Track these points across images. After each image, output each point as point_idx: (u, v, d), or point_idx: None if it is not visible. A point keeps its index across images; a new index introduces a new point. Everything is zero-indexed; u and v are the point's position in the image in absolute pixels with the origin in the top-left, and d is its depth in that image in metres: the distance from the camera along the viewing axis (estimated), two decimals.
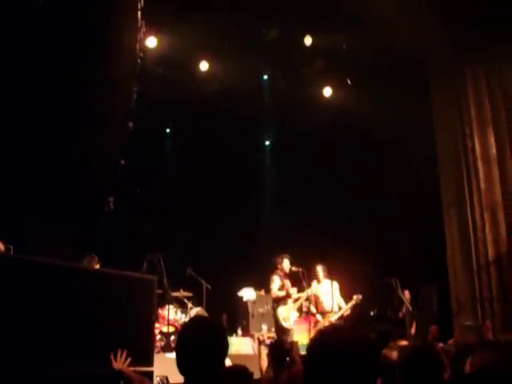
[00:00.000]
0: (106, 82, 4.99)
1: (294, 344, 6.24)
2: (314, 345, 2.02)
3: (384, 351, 3.77)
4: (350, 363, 1.89)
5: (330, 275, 10.03)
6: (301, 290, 9.60)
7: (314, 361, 1.97)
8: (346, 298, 10.04)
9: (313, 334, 8.62)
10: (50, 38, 4.48)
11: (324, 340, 2.01)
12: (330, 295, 9.94)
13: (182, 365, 2.97)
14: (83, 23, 4.74)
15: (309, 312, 9.92)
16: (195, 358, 2.93)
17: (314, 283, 9.87)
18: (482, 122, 9.91)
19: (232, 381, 3.77)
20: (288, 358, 5.09)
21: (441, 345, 7.52)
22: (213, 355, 2.96)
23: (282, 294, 9.41)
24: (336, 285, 10.05)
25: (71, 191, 4.85)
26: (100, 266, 6.91)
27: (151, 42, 10.07)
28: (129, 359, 4.24)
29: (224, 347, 3.09)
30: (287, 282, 9.59)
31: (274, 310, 9.49)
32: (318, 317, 9.78)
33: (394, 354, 3.63)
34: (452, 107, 10.23)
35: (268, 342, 9.71)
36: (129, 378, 3.88)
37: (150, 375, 4.72)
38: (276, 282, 9.51)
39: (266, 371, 5.26)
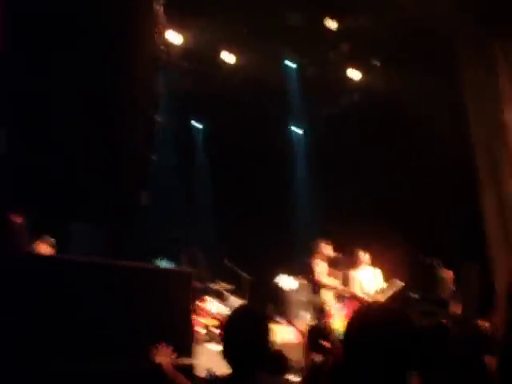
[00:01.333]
0: (129, 76, 5.02)
1: (330, 328, 6.24)
2: (351, 324, 2.01)
3: None
4: (387, 341, 1.87)
5: (373, 262, 10.00)
6: (338, 276, 9.61)
7: (352, 340, 1.96)
8: (388, 282, 10.01)
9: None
10: (71, 37, 4.53)
11: (360, 319, 2.00)
12: (371, 281, 9.90)
13: (229, 355, 3.01)
14: (101, 18, 4.78)
15: (351, 297, 9.88)
16: (241, 347, 2.96)
17: (356, 270, 9.85)
18: None
19: (269, 366, 3.78)
20: (327, 343, 5.07)
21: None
22: (258, 344, 2.99)
23: (327, 282, 9.41)
24: (379, 272, 10.01)
25: (104, 189, 4.90)
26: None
27: (175, 37, 10.14)
28: (173, 353, 4.25)
29: (268, 335, 3.12)
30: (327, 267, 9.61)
31: (316, 293, 9.49)
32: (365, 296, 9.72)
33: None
34: (482, 82, 10.06)
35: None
36: (164, 372, 3.92)
37: (190, 368, 4.76)
38: (320, 266, 9.52)
39: (306, 358, 5.25)
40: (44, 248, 6.72)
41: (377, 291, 9.81)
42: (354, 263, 9.97)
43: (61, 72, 4.59)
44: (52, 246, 6.77)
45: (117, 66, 5.08)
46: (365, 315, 2.03)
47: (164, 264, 9.32)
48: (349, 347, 1.97)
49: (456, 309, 10.06)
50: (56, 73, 4.59)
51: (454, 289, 10.27)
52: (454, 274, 10.76)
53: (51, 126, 4.72)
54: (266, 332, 3.06)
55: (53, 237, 6.71)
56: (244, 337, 2.96)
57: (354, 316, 2.06)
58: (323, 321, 9.20)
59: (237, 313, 3.37)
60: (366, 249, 10.06)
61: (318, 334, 5.54)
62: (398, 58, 10.97)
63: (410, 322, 2.00)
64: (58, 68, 4.56)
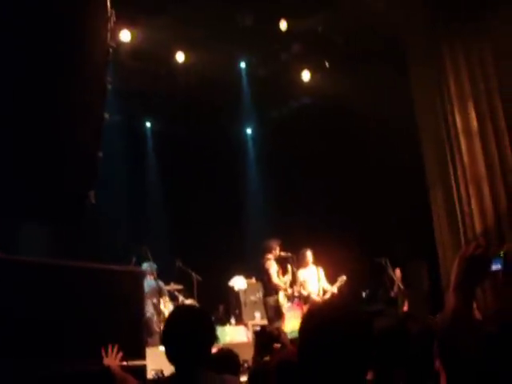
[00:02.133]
0: (77, 73, 4.91)
1: (280, 330, 6.21)
2: (306, 320, 1.98)
3: None
4: (344, 336, 1.85)
5: (318, 259, 10.08)
6: (284, 274, 9.66)
7: (307, 335, 1.93)
8: (333, 281, 10.10)
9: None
10: (17, 26, 4.39)
11: (316, 314, 1.98)
12: (316, 280, 9.98)
13: (170, 354, 2.95)
14: (49, 10, 4.66)
15: (300, 297, 9.94)
16: (182, 346, 2.91)
17: (302, 270, 9.93)
18: (461, 97, 9.92)
19: (219, 364, 3.74)
20: (277, 345, 5.03)
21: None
22: (200, 343, 2.94)
23: (278, 282, 9.44)
24: (321, 270, 10.09)
25: (49, 187, 4.77)
26: None
27: (125, 35, 9.99)
28: (120, 354, 4.18)
29: (211, 334, 3.07)
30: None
31: (271, 295, 9.50)
32: (314, 296, 9.81)
33: None
34: (431, 83, 10.24)
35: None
36: (117, 376, 3.84)
37: (142, 369, 4.68)
38: (273, 266, 9.54)
39: (253, 361, 5.21)
40: None
41: (323, 291, 9.91)
42: (301, 263, 10.03)
43: (7, 65, 4.46)
44: None
45: (65, 61, 4.97)
46: (318, 313, 2.00)
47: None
48: (303, 346, 1.94)
49: (405, 307, 10.22)
50: (3, 66, 4.45)
51: (403, 287, 10.42)
52: (402, 272, 10.93)
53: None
54: (206, 331, 3.01)
55: None
56: (183, 336, 2.91)
57: (307, 315, 2.02)
58: (278, 322, 9.23)
59: (176, 312, 3.32)
60: (312, 248, 10.13)
61: (266, 336, 5.49)
62: (348, 59, 11.07)
63: (365, 319, 1.98)
64: (5, 60, 4.43)
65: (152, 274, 9.61)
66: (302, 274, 9.98)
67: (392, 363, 2.89)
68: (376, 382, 2.83)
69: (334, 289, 9.93)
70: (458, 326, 2.04)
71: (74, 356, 4.24)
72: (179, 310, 3.44)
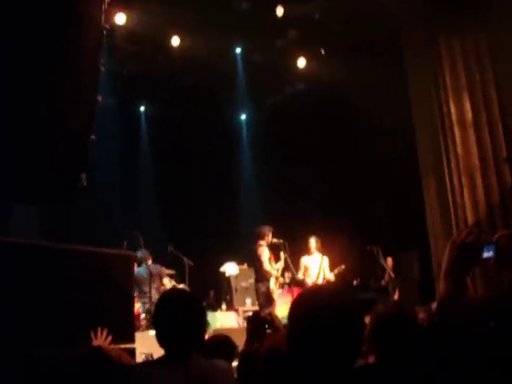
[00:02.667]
0: (70, 55, 4.86)
1: (273, 315, 6.22)
2: (296, 304, 1.97)
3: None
4: (332, 321, 1.84)
5: (321, 249, 10.12)
6: (277, 261, 9.68)
7: (296, 321, 1.92)
8: (332, 269, 10.14)
9: None
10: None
11: (306, 299, 1.97)
12: (318, 268, 10.02)
13: (160, 337, 2.95)
14: None
15: (291, 283, 9.97)
16: (172, 329, 2.90)
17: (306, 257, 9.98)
18: (457, 88, 9.90)
19: (214, 350, 3.74)
20: (270, 330, 5.03)
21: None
22: (190, 326, 2.93)
23: (274, 272, 9.46)
24: (326, 259, 10.12)
25: (40, 169, 4.73)
26: None
27: (120, 18, 9.92)
28: (110, 337, 4.18)
29: (201, 318, 3.06)
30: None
31: (262, 281, 9.50)
32: (308, 280, 9.86)
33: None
34: (426, 74, 10.21)
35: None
36: (108, 353, 3.83)
37: (132, 352, 4.68)
38: (265, 253, 9.54)
39: (245, 345, 5.21)
40: None
41: (324, 279, 9.94)
42: (305, 250, 10.10)
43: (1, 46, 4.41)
44: None
45: (59, 43, 4.92)
46: (308, 297, 1.99)
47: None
48: (293, 330, 1.93)
49: (395, 296, 10.27)
50: None
51: (394, 276, 10.47)
52: (394, 261, 10.97)
53: None
54: (197, 314, 3.00)
55: None
56: (173, 319, 2.90)
57: (296, 299, 2.01)
58: (269, 308, 9.25)
59: (166, 296, 3.31)
60: (304, 235, 10.17)
61: (259, 321, 5.49)
62: (345, 47, 11.03)
63: (355, 304, 1.97)
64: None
65: (149, 258, 9.63)
66: (305, 261, 10.06)
67: (393, 347, 2.90)
68: (377, 366, 2.84)
69: (332, 276, 9.98)
70: (449, 311, 2.05)
71: (63, 339, 4.23)
72: (170, 293, 3.42)
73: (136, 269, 9.51)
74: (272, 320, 5.22)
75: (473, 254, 2.14)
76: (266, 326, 5.16)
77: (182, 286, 9.94)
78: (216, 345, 4.08)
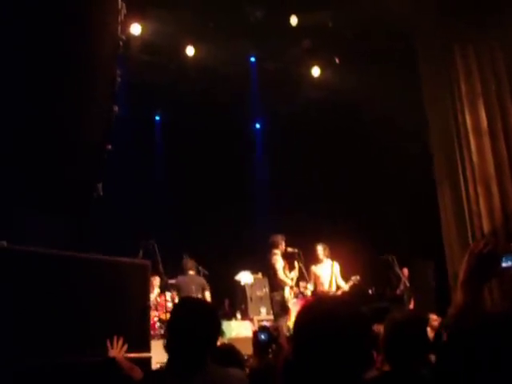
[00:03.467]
0: (87, 65, 4.91)
1: (279, 329, 6.17)
2: (299, 315, 1.97)
3: (376, 326, 3.72)
4: (336, 331, 1.82)
5: (331, 256, 10.04)
6: (291, 270, 9.64)
7: (300, 331, 1.92)
8: (345, 279, 10.07)
9: None
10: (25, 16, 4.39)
11: (309, 311, 1.96)
12: (329, 276, 9.95)
13: (171, 346, 2.95)
14: (59, 1, 4.65)
15: (303, 293, 9.94)
16: (185, 339, 2.90)
17: (315, 266, 9.91)
18: (472, 97, 9.87)
19: (222, 359, 3.74)
20: (274, 345, 4.99)
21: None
22: (204, 336, 2.93)
23: (288, 281, 9.42)
24: (337, 266, 10.04)
25: (56, 178, 4.77)
26: None
27: (135, 28, 10.01)
28: (125, 346, 4.20)
29: (215, 328, 3.06)
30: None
31: (277, 290, 9.47)
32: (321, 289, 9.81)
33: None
34: (441, 82, 10.18)
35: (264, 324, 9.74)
36: (122, 367, 3.85)
37: (147, 361, 4.69)
38: (279, 262, 9.51)
39: (251, 360, 5.19)
40: None
41: (337, 287, 9.88)
42: (314, 258, 10.02)
43: (15, 56, 4.46)
44: None
45: (76, 53, 4.96)
46: (313, 308, 1.98)
47: None
48: (297, 340, 1.92)
49: (411, 305, 10.21)
50: (13, 56, 4.45)
51: (409, 285, 10.41)
52: (409, 271, 10.91)
53: (5, 110, 4.58)
54: (211, 324, 3.00)
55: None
56: (188, 327, 2.90)
57: (302, 309, 2.00)
58: (284, 317, 9.22)
59: (183, 303, 3.32)
60: (325, 243, 10.09)
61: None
62: (359, 55, 11.04)
63: (362, 315, 1.96)
64: (14, 51, 4.43)
65: (193, 268, 9.81)
66: (315, 270, 9.96)
67: (409, 354, 2.88)
68: (392, 374, 2.82)
69: (346, 287, 9.88)
70: (465, 320, 2.04)
71: (79, 347, 4.25)
72: (185, 301, 3.43)
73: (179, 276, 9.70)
74: (277, 336, 5.18)
75: (491, 264, 2.13)
76: (271, 341, 5.11)
77: (207, 294, 9.90)
78: (223, 354, 4.07)
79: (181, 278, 9.81)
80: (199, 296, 9.53)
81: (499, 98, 9.71)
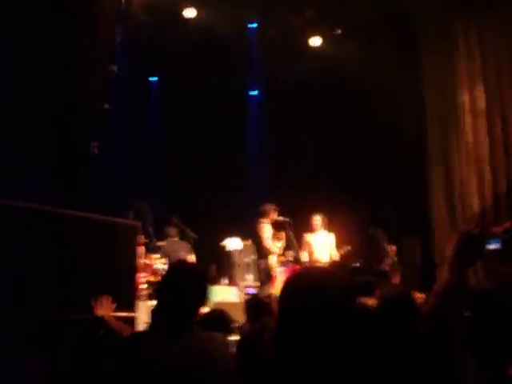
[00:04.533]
0: (88, 21, 4.86)
1: (272, 296, 6.23)
2: (285, 285, 2.00)
3: (362, 299, 3.76)
4: (321, 302, 1.85)
5: (328, 226, 10.11)
6: (280, 239, 9.69)
7: (284, 300, 1.95)
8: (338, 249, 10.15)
9: None
10: None
11: (295, 280, 1.99)
12: (322, 245, 10.02)
13: (159, 307, 2.99)
14: None
15: (294, 262, 10.00)
16: (173, 301, 2.94)
17: (309, 234, 9.98)
18: (471, 76, 9.86)
19: (211, 323, 3.79)
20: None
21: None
22: (191, 299, 2.98)
23: (274, 249, 9.47)
24: (332, 236, 10.11)
25: (53, 135, 4.76)
26: None
27: None
28: (113, 305, 4.23)
29: (203, 292, 3.11)
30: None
31: (262, 258, 9.54)
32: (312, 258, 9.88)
33: (371, 302, 3.61)
34: (441, 60, 10.16)
35: (248, 290, 9.85)
36: (110, 325, 3.89)
37: (132, 321, 4.74)
38: (267, 230, 9.56)
39: (244, 327, 5.25)
40: None
41: (330, 258, 9.96)
42: (308, 227, 10.09)
43: (16, 14, 4.41)
44: None
45: (76, 11, 4.92)
46: (298, 277, 2.00)
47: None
48: (282, 308, 1.95)
49: (396, 279, 10.29)
50: (11, 15, 4.40)
51: (397, 261, 10.48)
52: (397, 247, 10.98)
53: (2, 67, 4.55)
54: (199, 288, 3.05)
55: None
56: (176, 291, 2.95)
57: (288, 278, 2.04)
58: (268, 285, 9.31)
59: (172, 268, 3.35)
60: (322, 214, 10.15)
61: (256, 305, 5.50)
62: (360, 28, 10.97)
63: (343, 286, 1.97)
64: (14, 11, 4.38)
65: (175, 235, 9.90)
66: (308, 238, 10.03)
67: (401, 332, 2.91)
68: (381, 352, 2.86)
69: (337, 257, 9.98)
70: (451, 297, 2.07)
71: (66, 304, 4.29)
72: (175, 265, 3.46)
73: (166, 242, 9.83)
74: (269, 303, 5.24)
75: (478, 246, 2.16)
76: (263, 309, 5.17)
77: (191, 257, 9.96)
78: (213, 319, 4.13)
79: (168, 244, 9.87)
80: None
81: (498, 80, 9.70)
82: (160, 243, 10.02)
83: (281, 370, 1.87)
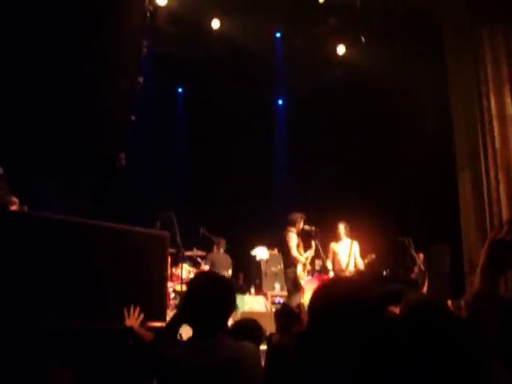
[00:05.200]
0: (115, 34, 4.91)
1: (301, 306, 6.22)
2: (315, 295, 2.00)
3: (390, 308, 3.72)
4: (349, 313, 1.85)
5: (351, 235, 10.09)
6: (308, 248, 9.68)
7: (314, 311, 1.95)
8: (363, 258, 10.11)
9: None
10: None
11: (325, 290, 1.99)
12: (347, 254, 9.99)
13: (187, 317, 3.01)
14: None
15: (321, 271, 9.98)
16: (201, 311, 2.96)
17: (335, 243, 9.98)
18: (498, 82, 9.75)
19: (243, 333, 3.79)
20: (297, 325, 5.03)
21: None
22: (219, 309, 2.99)
23: (301, 258, 9.47)
24: (356, 244, 10.10)
25: (81, 147, 4.82)
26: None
27: None
28: (141, 316, 4.26)
29: (231, 302, 3.11)
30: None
31: (290, 267, 9.53)
32: (331, 274, 9.84)
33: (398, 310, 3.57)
34: (468, 66, 10.06)
35: (276, 300, 9.85)
36: (139, 336, 3.91)
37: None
38: (294, 239, 9.56)
39: (274, 336, 5.24)
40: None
41: (355, 266, 9.93)
42: (334, 236, 10.09)
43: (46, 28, 4.48)
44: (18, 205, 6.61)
45: (103, 25, 4.98)
46: (328, 287, 2.01)
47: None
48: (311, 319, 1.95)
49: (424, 288, 10.20)
50: (41, 29, 4.47)
51: (425, 269, 10.39)
52: (425, 255, 10.89)
53: (33, 81, 4.62)
54: (226, 297, 3.06)
55: (24, 194, 6.57)
56: (205, 299, 2.96)
57: (318, 288, 2.03)
58: (296, 294, 9.29)
59: (201, 276, 3.37)
60: (346, 222, 10.14)
61: (285, 315, 5.50)
62: (385, 36, 10.94)
63: (373, 297, 1.97)
64: (44, 25, 4.45)
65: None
66: (334, 246, 10.05)
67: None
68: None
69: (363, 266, 9.96)
70: (481, 307, 2.05)
71: (97, 315, 4.32)
72: (202, 274, 3.48)
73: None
74: (299, 313, 5.23)
75: (511, 253, 2.12)
76: (293, 319, 5.16)
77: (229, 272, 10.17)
78: (244, 328, 4.14)
79: (214, 255, 10.12)
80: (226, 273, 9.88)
81: None
82: (187, 253, 10.08)
83: (308, 380, 1.88)
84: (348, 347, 1.83)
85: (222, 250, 10.27)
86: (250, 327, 4.22)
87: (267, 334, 6.41)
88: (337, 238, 10.11)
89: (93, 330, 4.24)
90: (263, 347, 4.67)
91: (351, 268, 9.88)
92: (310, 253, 9.69)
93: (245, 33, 11.05)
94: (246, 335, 3.77)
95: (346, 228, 10.05)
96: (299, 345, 1.98)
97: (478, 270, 2.12)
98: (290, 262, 9.63)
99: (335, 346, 1.84)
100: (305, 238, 9.83)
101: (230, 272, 10.05)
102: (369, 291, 1.95)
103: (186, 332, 3.18)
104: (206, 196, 12.80)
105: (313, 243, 9.71)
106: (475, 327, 2.05)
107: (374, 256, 10.04)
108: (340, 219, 10.19)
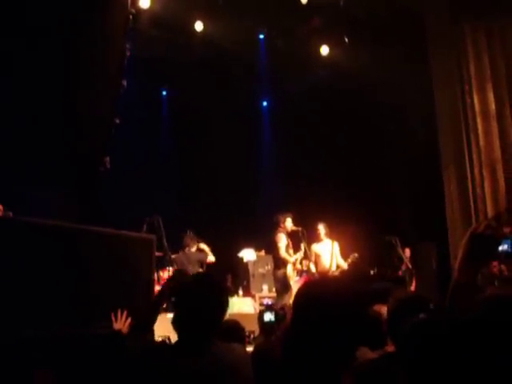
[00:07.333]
0: (97, 38, 4.89)
1: (286, 307, 6.20)
2: (299, 294, 2.02)
3: (376, 307, 3.72)
4: (332, 312, 1.88)
5: (331, 235, 10.08)
6: (297, 249, 9.67)
7: (298, 310, 1.97)
8: (345, 257, 10.12)
9: None
10: None
11: (308, 290, 2.01)
12: (329, 254, 9.99)
13: (179, 322, 2.97)
14: None
15: (309, 271, 9.98)
16: (193, 315, 2.92)
17: (316, 244, 9.97)
18: (481, 79, 9.82)
19: (226, 335, 3.77)
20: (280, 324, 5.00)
21: None
22: (211, 312, 2.96)
23: (290, 259, 9.45)
24: (337, 245, 10.09)
25: (65, 151, 4.79)
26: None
27: (144, 2, 9.92)
28: (129, 320, 4.23)
29: (223, 304, 3.08)
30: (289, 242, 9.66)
31: (280, 268, 9.51)
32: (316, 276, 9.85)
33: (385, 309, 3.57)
34: (451, 63, 10.12)
35: (265, 301, 9.82)
36: (125, 339, 3.88)
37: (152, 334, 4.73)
38: (282, 240, 9.54)
39: (257, 338, 5.22)
40: None
41: (337, 266, 9.93)
42: (315, 237, 10.06)
43: (27, 33, 4.45)
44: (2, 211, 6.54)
45: (86, 28, 4.95)
46: (311, 285, 2.03)
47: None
48: (295, 315, 1.96)
49: (412, 286, 10.25)
50: (22, 34, 4.44)
51: (412, 267, 10.44)
52: (412, 252, 10.94)
53: (14, 86, 4.59)
54: (220, 299, 3.03)
55: (8, 200, 6.51)
56: (197, 302, 2.93)
57: (301, 286, 2.06)
58: (285, 295, 9.28)
59: (194, 279, 3.34)
60: (326, 222, 10.13)
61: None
62: (368, 36, 10.97)
63: (357, 296, 1.99)
64: (25, 29, 4.42)
65: (193, 245, 9.89)
66: (315, 248, 10.01)
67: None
68: (394, 356, 2.81)
69: (345, 266, 9.96)
70: (459, 296, 2.05)
71: (84, 319, 4.29)
72: (195, 278, 3.43)
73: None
74: (284, 315, 5.21)
75: (489, 247, 2.14)
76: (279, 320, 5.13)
77: (200, 270, 9.98)
78: (226, 329, 4.10)
79: (178, 255, 9.94)
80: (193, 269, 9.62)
81: (508, 82, 9.66)
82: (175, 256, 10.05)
83: (291, 377, 1.88)
84: (329, 342, 1.85)
85: (192, 250, 10.01)
86: (231, 328, 4.20)
87: (255, 335, 6.40)
88: (317, 239, 10.09)
89: (80, 334, 4.21)
90: (249, 349, 4.64)
91: (334, 268, 9.89)
92: (300, 254, 9.69)
93: (228, 35, 11.04)
94: (230, 337, 3.75)
95: (325, 228, 10.03)
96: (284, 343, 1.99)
97: (457, 263, 2.14)
98: (279, 263, 9.63)
99: (316, 341, 1.86)
100: (294, 239, 9.83)
101: (199, 269, 9.78)
102: (350, 289, 1.97)
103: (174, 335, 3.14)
104: (192, 198, 12.77)
105: (302, 244, 9.72)
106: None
107: (356, 255, 10.03)
108: (322, 220, 10.17)
